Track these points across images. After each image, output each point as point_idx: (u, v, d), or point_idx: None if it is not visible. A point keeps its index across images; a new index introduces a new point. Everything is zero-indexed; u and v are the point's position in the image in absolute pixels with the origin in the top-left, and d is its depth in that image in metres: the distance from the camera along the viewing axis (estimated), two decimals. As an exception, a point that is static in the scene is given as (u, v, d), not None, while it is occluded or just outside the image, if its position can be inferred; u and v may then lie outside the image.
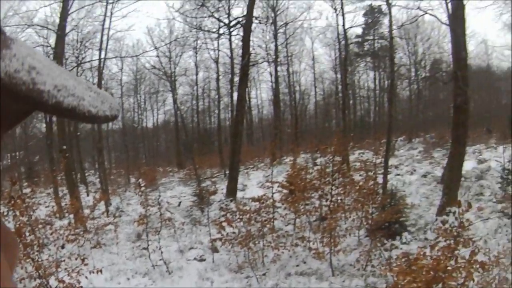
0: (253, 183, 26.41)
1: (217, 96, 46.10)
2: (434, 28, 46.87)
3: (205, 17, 31.19)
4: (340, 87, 41.31)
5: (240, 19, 26.50)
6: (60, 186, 22.13)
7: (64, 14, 22.23)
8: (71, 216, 16.75)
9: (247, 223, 13.70)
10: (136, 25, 68.40)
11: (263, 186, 18.00)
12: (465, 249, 7.92)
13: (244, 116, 34.90)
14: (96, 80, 28.80)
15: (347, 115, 38.37)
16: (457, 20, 16.95)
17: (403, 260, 8.46)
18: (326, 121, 50.31)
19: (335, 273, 12.58)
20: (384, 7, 29.64)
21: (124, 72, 47.64)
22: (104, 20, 26.00)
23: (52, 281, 10.51)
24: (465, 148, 18.06)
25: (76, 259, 11.32)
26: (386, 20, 38.38)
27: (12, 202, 10.69)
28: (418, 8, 20.69)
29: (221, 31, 33.43)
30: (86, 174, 37.42)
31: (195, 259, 14.68)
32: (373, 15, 45.33)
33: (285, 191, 17.12)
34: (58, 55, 22.09)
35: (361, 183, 14.83)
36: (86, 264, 11.09)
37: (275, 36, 42.07)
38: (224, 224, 13.82)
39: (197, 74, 47.27)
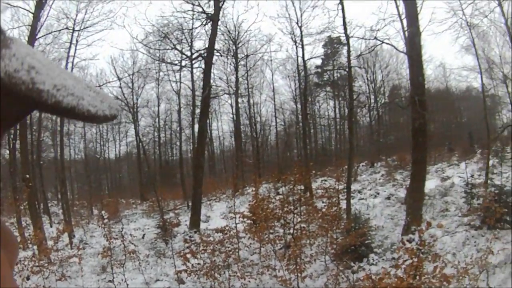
0: (216, 214, 26.25)
1: (178, 128, 46.00)
2: (393, 55, 47.84)
3: (168, 49, 31.20)
4: (300, 117, 41.56)
5: (202, 52, 26.57)
6: (23, 216, 21.70)
7: (32, 38, 22.08)
8: (35, 247, 16.36)
9: (211, 254, 13.66)
10: (100, 54, 68.69)
11: (226, 217, 18.03)
12: (433, 264, 8.02)
13: (206, 148, 34.89)
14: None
15: (308, 144, 38.67)
16: (413, 47, 17.43)
17: (368, 281, 8.49)
18: (287, 151, 50.42)
19: (303, 298, 12.54)
20: (343, 38, 30.10)
21: (87, 102, 47.15)
22: (70, 47, 26.27)
23: (20, 312, 10.21)
24: (425, 168, 18.55)
25: (41, 291, 11.13)
26: (345, 51, 38.94)
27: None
28: (375, 38, 21.09)
29: (183, 63, 33.33)
30: (49, 205, 36.70)
31: (161, 291, 14.49)
32: (332, 46, 46.01)
33: (248, 221, 17.06)
34: (23, 80, 21.77)
35: (324, 210, 14.85)
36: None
37: (236, 68, 42.17)
38: (189, 255, 13.75)
39: (159, 105, 47.35)
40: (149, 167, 40.02)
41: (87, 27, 26.74)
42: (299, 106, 43.67)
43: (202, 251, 13.91)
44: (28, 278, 14.31)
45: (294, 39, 36.51)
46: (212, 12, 24.78)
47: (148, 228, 24.11)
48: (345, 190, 18.99)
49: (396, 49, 21.66)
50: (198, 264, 13.57)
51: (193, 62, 30.50)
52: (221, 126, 55.27)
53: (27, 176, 20.41)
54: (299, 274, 12.62)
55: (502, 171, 18.47)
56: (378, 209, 22.02)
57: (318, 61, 48.24)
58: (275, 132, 51.92)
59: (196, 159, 25.24)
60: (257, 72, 47.18)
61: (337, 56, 47.15)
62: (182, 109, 44.25)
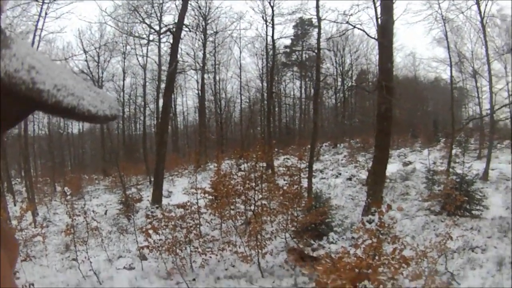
0: (178, 189, 26.22)
1: (143, 103, 45.84)
2: (363, 41, 48.25)
3: (137, 22, 31.09)
4: (265, 95, 41.62)
5: (171, 27, 26.32)
6: (-14, 196, 21.36)
7: (-1, 11, 21.53)
8: (-2, 227, 16.09)
9: (173, 229, 13.63)
10: (68, 27, 67.16)
11: (188, 193, 17.95)
12: (392, 246, 8.16)
13: (169, 123, 34.70)
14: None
15: (272, 122, 38.76)
16: (386, 33, 17.63)
17: (327, 259, 8.59)
18: (251, 128, 50.51)
19: (264, 274, 12.67)
20: (315, 20, 30.18)
21: (53, 76, 46.42)
22: (38, 20, 25.61)
23: (-16, 297, 10.12)
24: (388, 151, 18.74)
25: (7, 273, 10.98)
26: (315, 33, 39.05)
27: None
28: (347, 22, 21.18)
29: (151, 37, 33.13)
30: (13, 183, 36.20)
31: (124, 267, 14.46)
32: (303, 27, 46.11)
33: (209, 197, 17.10)
34: (-12, 54, 21.28)
35: (285, 187, 14.94)
36: (17, 278, 10.79)
37: (204, 44, 42.02)
38: (151, 231, 13.69)
39: (124, 79, 46.92)
40: (112, 142, 39.73)
41: (57, -1, 25.86)
42: (265, 84, 43.74)
43: (164, 227, 13.87)
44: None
45: (265, 18, 36.53)
46: (184, -13, 24.51)
47: (110, 204, 24.07)
48: (307, 169, 19.14)
49: (368, 35, 21.81)
50: (160, 240, 13.55)
51: (161, 36, 30.36)
52: (186, 101, 55.00)
53: (-10, 153, 20.04)
54: (259, 251, 12.70)
55: (464, 161, 18.81)
56: (339, 189, 22.34)
57: (287, 41, 48.53)
58: (240, 109, 52.12)
59: (160, 135, 25.18)
60: (225, 49, 47.18)
61: (307, 38, 47.47)
62: (147, 83, 44.07)
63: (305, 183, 17.93)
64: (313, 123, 24.20)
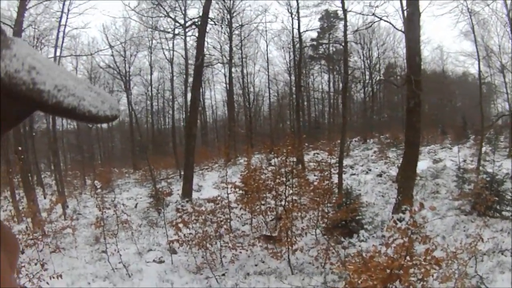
0: (209, 183, 26.34)
1: (171, 97, 46.04)
2: (390, 33, 47.98)
3: (161, 16, 31.05)
4: (294, 89, 41.50)
5: (196, 20, 26.31)
6: (16, 189, 21.62)
7: (22, 9, 21.73)
8: (29, 220, 16.37)
9: (203, 224, 13.66)
10: (92, 23, 67.58)
11: (218, 187, 17.97)
12: (423, 246, 8.08)
13: (198, 117, 34.80)
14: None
15: (301, 116, 38.59)
16: (412, 26, 17.28)
17: (358, 258, 8.54)
18: (280, 122, 50.43)
19: (294, 271, 12.63)
20: (340, 12, 29.92)
21: (79, 71, 46.78)
22: (61, 16, 25.90)
23: (13, 287, 10.28)
24: (418, 148, 18.39)
25: (35, 264, 11.17)
26: (341, 25, 38.79)
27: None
28: (373, 14, 20.97)
29: (176, 31, 33.08)
30: (42, 176, 36.63)
31: (154, 261, 14.56)
32: (329, 19, 45.83)
33: (240, 191, 17.11)
34: (14, 51, 21.53)
35: (316, 183, 14.87)
36: (46, 269, 10.95)
37: (230, 38, 42.03)
38: (181, 225, 13.74)
39: (151, 74, 47.30)
40: (141, 136, 39.90)
41: (79, -5, 26.02)
42: (293, 78, 43.68)
43: (194, 221, 13.93)
44: (22, 252, 14.34)
45: (290, 11, 36.44)
46: (207, -20, 24.52)
47: (140, 198, 24.21)
48: (337, 165, 19.03)
49: (394, 27, 21.58)
50: (190, 234, 13.60)
51: (187, 30, 30.35)
52: (214, 95, 55.29)
53: (20, 148, 20.24)
54: (290, 247, 12.69)
55: (495, 159, 18.42)
56: (369, 185, 22.14)
57: (314, 34, 48.36)
58: (268, 103, 52.05)
59: (189, 128, 25.16)
60: (251, 42, 47.27)
61: (333, 30, 47.15)
62: (175, 77, 44.36)
63: (335, 179, 17.81)
64: (342, 117, 24.05)
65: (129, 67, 44.93)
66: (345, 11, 21.80)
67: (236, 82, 46.23)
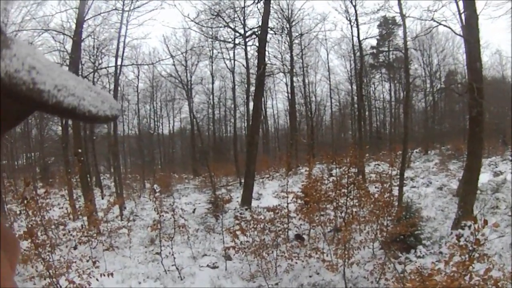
0: (268, 192, 26.41)
1: (233, 105, 46.22)
2: (449, 39, 47.02)
3: (221, 27, 31.31)
4: (355, 98, 41.14)
5: (256, 30, 26.51)
6: (74, 189, 22.25)
7: (80, 20, 22.39)
8: (85, 218, 16.86)
9: (261, 232, 13.72)
10: (152, 33, 69.46)
11: (278, 196, 18.02)
12: (480, 265, 7.89)
13: (260, 125, 34.92)
14: (112, 86, 29.02)
15: (363, 127, 38.21)
16: (470, 30, 16.81)
17: (416, 276, 8.39)
18: (341, 132, 50.15)
19: (348, 285, 12.55)
20: (398, 19, 29.53)
21: (141, 79, 47.94)
22: (120, 27, 26.41)
23: (62, 281, 10.61)
24: (481, 160, 17.75)
25: (87, 261, 11.44)
26: (400, 32, 38.41)
27: (25, 202, 10.79)
28: (432, 19, 20.58)
29: (237, 41, 33.40)
30: (101, 178, 37.51)
31: (207, 266, 14.76)
32: (387, 26, 45.34)
33: (300, 201, 17.07)
34: (75, 60, 22.33)
35: (376, 195, 14.67)
36: (97, 267, 11.20)
37: (291, 47, 42.10)
38: (238, 232, 13.88)
39: (213, 83, 47.70)
40: (202, 143, 40.33)
41: (136, 7, 26.76)
42: (354, 87, 43.30)
43: (252, 229, 14.02)
44: (75, 248, 14.74)
45: (348, 18, 36.09)
46: (264, -10, 24.55)
47: (199, 203, 24.42)
48: (398, 176, 18.76)
49: (454, 32, 20.91)
50: (247, 241, 13.72)
51: (247, 40, 30.60)
52: (276, 104, 55.66)
53: (79, 150, 20.79)
54: (347, 260, 12.61)
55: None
56: (429, 199, 21.65)
57: (374, 42, 47.83)
58: (330, 113, 51.86)
59: (250, 136, 25.27)
60: (312, 51, 47.21)
61: (392, 37, 46.51)
62: (236, 86, 44.60)
63: (395, 191, 17.55)
64: (404, 127, 23.66)
65: (191, 76, 45.44)
66: (403, 16, 21.41)
67: (298, 92, 46.24)
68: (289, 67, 41.51)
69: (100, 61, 31.46)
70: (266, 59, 26.74)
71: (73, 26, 23.43)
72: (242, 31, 30.82)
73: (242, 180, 26.87)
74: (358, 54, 36.31)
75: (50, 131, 45.60)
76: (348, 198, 15.14)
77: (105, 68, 31.06)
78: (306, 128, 47.96)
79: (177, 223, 15.37)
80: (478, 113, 16.56)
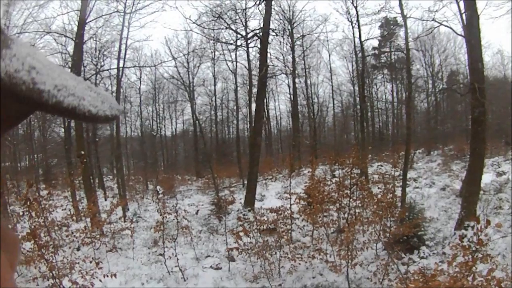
0: (271, 193, 26.41)
1: (235, 107, 46.21)
2: (450, 39, 47.00)
3: (222, 29, 31.26)
4: (357, 99, 41.19)
5: (257, 31, 26.52)
6: (77, 190, 22.31)
7: (82, 22, 22.52)
8: (88, 219, 16.83)
9: (264, 233, 13.75)
10: (154, 35, 69.25)
11: (281, 197, 18.01)
12: (483, 265, 7.89)
13: (263, 127, 34.93)
14: (114, 88, 29.07)
15: (366, 128, 38.21)
16: (472, 30, 16.77)
17: (420, 276, 8.40)
18: (344, 133, 50.16)
19: (351, 286, 12.54)
20: (400, 19, 29.48)
21: (143, 81, 48.03)
22: (122, 30, 26.42)
23: (66, 282, 10.69)
24: (483, 161, 17.67)
25: (90, 262, 11.48)
26: (401, 32, 38.31)
27: (28, 203, 10.83)
28: (433, 19, 20.60)
29: (239, 43, 33.33)
30: (104, 179, 37.62)
31: (211, 267, 14.78)
32: (388, 27, 45.27)
33: (303, 202, 17.08)
34: (77, 62, 22.45)
35: (379, 196, 14.68)
36: (100, 268, 11.23)
37: (292, 48, 42.16)
38: (241, 233, 13.89)
39: (215, 84, 47.79)
40: (205, 144, 40.38)
41: (138, 9, 26.82)
42: (356, 88, 43.30)
43: (255, 230, 14.04)
44: (78, 249, 14.79)
45: (350, 19, 36.25)
46: (265, -9, 24.59)
47: (202, 205, 24.46)
48: (401, 177, 18.74)
49: (455, 32, 20.84)
50: (250, 243, 13.74)
51: (249, 41, 30.64)
52: (278, 106, 55.49)
53: (82, 152, 20.84)
54: (350, 261, 12.61)
55: None
56: (432, 199, 21.64)
57: (375, 43, 47.74)
58: (333, 114, 51.82)
59: (253, 138, 25.27)
60: (313, 52, 47.30)
61: (394, 38, 46.42)
62: (238, 88, 44.78)
63: (398, 192, 17.50)
64: (406, 128, 23.63)
65: (193, 78, 45.78)
66: (404, 17, 21.40)
67: (300, 93, 46.23)
68: (291, 69, 41.57)
69: (102, 63, 31.57)
70: (268, 61, 26.74)
71: (75, 28, 23.60)
72: (243, 33, 30.88)
73: (245, 182, 26.92)
74: (360, 55, 36.31)
75: (53, 133, 45.71)
76: (351, 199, 15.10)
77: (107, 70, 31.14)
78: (309, 129, 48.05)
79: (180, 225, 15.46)
80: (480, 113, 16.46)
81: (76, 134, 23.37)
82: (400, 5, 21.03)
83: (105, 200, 27.15)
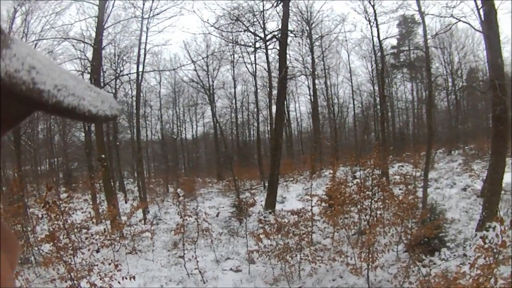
0: (292, 195, 26.39)
1: (255, 109, 46.41)
2: (468, 36, 46.44)
3: (240, 31, 31.32)
4: (378, 99, 41.00)
5: (276, 33, 26.56)
6: (98, 193, 22.48)
7: (100, 28, 22.72)
8: (108, 222, 17.01)
9: (285, 235, 13.73)
10: (173, 39, 69.84)
11: (302, 199, 17.98)
12: (505, 268, 7.81)
13: (283, 129, 34.93)
14: (134, 93, 29.36)
15: (386, 128, 37.99)
16: (490, 26, 16.45)
17: (441, 279, 8.33)
18: (365, 134, 49.99)
19: (371, 289, 12.49)
20: (417, 17, 29.31)
21: (163, 85, 48.55)
22: (141, 34, 26.62)
23: (84, 284, 10.75)
24: (505, 159, 17.22)
25: (109, 264, 11.54)
26: (420, 30, 38.14)
27: (48, 206, 10.94)
28: (451, 15, 20.37)
29: (257, 45, 33.46)
30: (125, 183, 37.97)
31: (231, 269, 14.77)
32: (406, 25, 45.12)
33: (324, 204, 17.03)
34: (96, 68, 22.65)
35: (400, 197, 14.53)
36: (119, 270, 11.31)
37: (311, 49, 42.22)
38: (262, 236, 13.90)
39: (235, 87, 48.07)
40: (226, 147, 40.51)
41: (156, 14, 27.02)
42: (376, 88, 43.09)
43: (276, 232, 14.04)
44: (97, 251, 14.88)
45: (367, 18, 35.82)
46: (282, -7, 24.56)
47: (223, 207, 24.53)
48: (422, 178, 18.57)
49: (474, 28, 20.51)
50: (271, 245, 13.71)
51: (267, 43, 30.63)
52: (299, 107, 55.67)
53: (103, 156, 21.02)
54: (371, 263, 12.54)
55: None
56: (453, 200, 21.37)
57: (394, 41, 47.61)
58: (353, 114, 51.68)
59: (274, 140, 25.28)
60: (332, 53, 47.35)
61: (412, 36, 46.27)
62: (258, 90, 44.83)
63: (419, 193, 17.36)
64: (427, 128, 23.40)
65: (213, 81, 46.10)
66: (422, 14, 21.18)
67: (320, 94, 46.26)
68: (311, 70, 41.70)
69: (121, 68, 31.89)
70: (288, 62, 26.74)
71: (93, 34, 23.82)
72: (262, 35, 30.89)
73: (266, 184, 26.94)
74: (379, 54, 36.06)
75: (73, 137, 46.25)
76: (372, 201, 15.03)
77: (127, 74, 31.48)
78: (329, 131, 47.99)
79: (201, 227, 15.43)
80: (501, 110, 16.13)
81: (96, 138, 23.55)
82: (418, 2, 20.86)
83: (126, 203, 27.38)
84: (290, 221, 15.45)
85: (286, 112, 43.71)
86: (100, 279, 10.86)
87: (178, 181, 37.99)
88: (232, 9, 28.39)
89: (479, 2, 17.62)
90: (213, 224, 19.61)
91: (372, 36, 36.35)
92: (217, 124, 41.03)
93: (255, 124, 48.51)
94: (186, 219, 14.56)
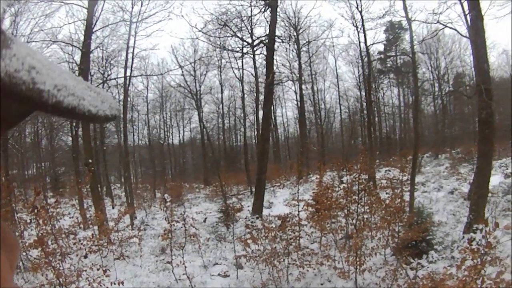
0: (279, 200, 26.38)
1: (242, 115, 46.57)
2: (455, 41, 46.97)
3: (228, 36, 31.24)
4: (364, 104, 41.15)
5: (263, 39, 26.55)
6: (85, 198, 22.39)
7: (89, 32, 22.68)
8: (95, 227, 16.92)
9: (272, 240, 13.71)
10: (161, 44, 69.95)
11: (289, 204, 17.96)
12: (492, 268, 7.83)
13: (270, 134, 34.95)
14: (122, 97, 29.21)
15: (373, 132, 38.12)
16: (476, 31, 16.60)
17: (429, 281, 8.35)
18: (352, 139, 50.15)
19: (359, 292, 12.49)
20: (404, 23, 29.46)
21: (150, 90, 48.51)
22: (129, 39, 26.65)
23: (72, 289, 10.67)
24: (491, 163, 17.51)
25: (98, 269, 11.48)
26: (407, 36, 38.33)
27: (36, 211, 10.88)
28: (438, 21, 20.54)
29: (245, 50, 33.39)
30: (112, 188, 37.92)
31: (219, 274, 14.76)
32: (394, 31, 45.37)
33: (311, 209, 17.03)
34: (84, 71, 22.47)
35: (387, 201, 14.58)
36: (108, 275, 11.25)
37: (299, 55, 42.40)
38: (249, 241, 13.91)
39: (222, 92, 48.16)
40: (213, 152, 40.54)
41: (144, 18, 26.95)
42: (363, 93, 43.27)
43: (264, 237, 14.01)
44: (85, 257, 14.79)
45: (355, 24, 35.95)
46: (270, -1, 24.62)
47: (210, 212, 24.49)
48: (409, 182, 18.65)
49: (460, 33, 20.73)
50: (258, 250, 13.72)
51: (255, 49, 30.61)
52: (286, 112, 55.68)
53: (90, 160, 20.93)
54: (358, 267, 12.55)
55: None
56: (441, 203, 21.44)
57: (381, 47, 47.94)
58: (340, 120, 51.98)
59: (261, 145, 25.33)
60: (320, 58, 47.68)
61: (399, 42, 46.62)
62: (245, 95, 45.03)
63: (406, 197, 17.40)
64: (414, 132, 23.52)
65: (200, 86, 46.13)
66: (409, 20, 21.24)
67: (307, 99, 46.44)
68: (298, 75, 41.85)
69: (109, 72, 31.94)
70: (275, 68, 26.83)
71: (82, 38, 23.78)
72: (249, 40, 30.88)
73: (253, 189, 26.91)
74: (365, 60, 36.23)
75: (60, 141, 46.07)
76: (359, 205, 15.07)
77: (115, 79, 31.51)
78: (316, 136, 48.15)
79: (188, 232, 15.41)
80: (487, 115, 16.25)
81: (84, 143, 23.46)
82: (405, 8, 20.88)
83: (113, 208, 27.29)
84: (277, 226, 15.44)
85: (273, 117, 43.82)
86: (89, 284, 10.83)
87: (165, 186, 37.98)
88: (220, 14, 28.43)
89: (466, 8, 17.78)
90: (201, 229, 19.50)
91: (359, 42, 36.53)
92: (204, 129, 41.07)
93: (242, 129, 48.82)
94: (174, 225, 14.51)
